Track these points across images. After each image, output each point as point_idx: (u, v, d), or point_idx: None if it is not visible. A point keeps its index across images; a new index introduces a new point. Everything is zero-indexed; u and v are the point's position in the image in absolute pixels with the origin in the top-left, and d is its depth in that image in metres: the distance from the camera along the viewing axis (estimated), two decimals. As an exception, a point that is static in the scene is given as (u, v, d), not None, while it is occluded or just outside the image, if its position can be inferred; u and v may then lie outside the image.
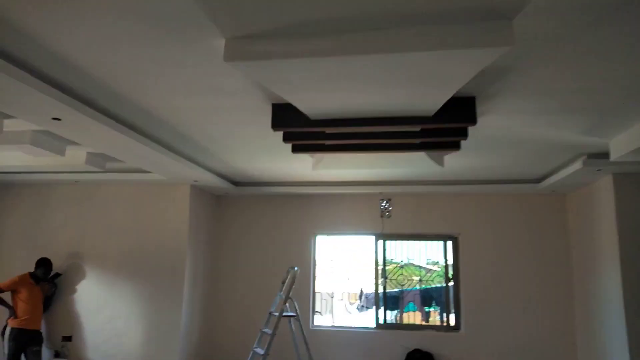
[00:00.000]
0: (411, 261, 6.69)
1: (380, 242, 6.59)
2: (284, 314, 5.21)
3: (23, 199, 6.35)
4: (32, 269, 5.67)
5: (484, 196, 6.35)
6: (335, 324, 6.56)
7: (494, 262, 6.23)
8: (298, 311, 5.46)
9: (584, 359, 5.70)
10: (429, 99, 2.91)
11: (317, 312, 6.61)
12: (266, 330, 5.22)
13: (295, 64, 2.34)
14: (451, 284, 6.41)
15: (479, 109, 3.23)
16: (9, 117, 3.79)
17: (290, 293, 5.24)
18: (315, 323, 6.50)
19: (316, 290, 6.62)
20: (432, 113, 3.13)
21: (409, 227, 6.49)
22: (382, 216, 6.51)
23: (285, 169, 5.47)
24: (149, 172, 5.40)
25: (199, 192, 6.33)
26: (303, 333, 5.46)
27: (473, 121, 3.19)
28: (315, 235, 6.73)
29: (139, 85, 2.99)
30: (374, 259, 6.54)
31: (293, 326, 5.53)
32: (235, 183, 6.38)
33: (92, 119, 3.29)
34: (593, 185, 5.37)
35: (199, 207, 6.33)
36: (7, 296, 5.44)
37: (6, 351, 5.28)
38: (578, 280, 5.90)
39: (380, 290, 6.47)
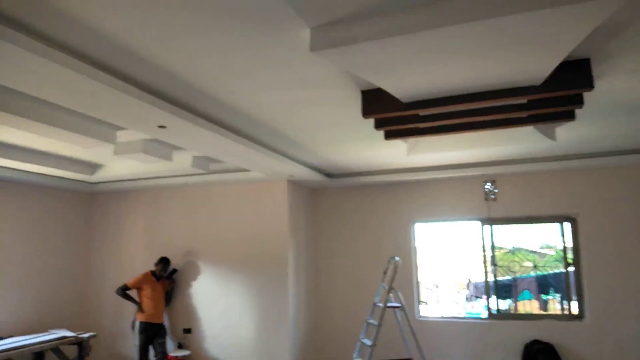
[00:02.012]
0: (522, 246, 6.19)
1: (487, 227, 6.18)
2: (389, 304, 5.12)
3: (141, 203, 6.96)
4: (151, 268, 6.20)
5: (605, 170, 5.65)
6: (443, 315, 6.30)
7: (619, 243, 5.53)
8: (403, 301, 5.32)
9: None
10: (536, 66, 2.59)
11: (422, 302, 6.40)
12: (372, 321, 5.17)
13: (383, 45, 2.21)
14: (571, 269, 5.81)
15: (595, 71, 2.83)
16: (120, 128, 4.15)
17: (393, 283, 5.13)
18: (422, 313, 6.31)
19: (420, 280, 6.41)
20: (541, 81, 2.80)
21: (518, 209, 5.99)
22: (486, 199, 6.10)
23: (379, 157, 5.33)
24: (248, 170, 5.61)
25: (296, 186, 6.44)
26: (410, 324, 5.32)
27: (589, 85, 2.80)
28: (414, 223, 6.52)
29: (231, 87, 3.06)
30: (481, 246, 6.15)
31: (399, 317, 5.41)
32: (330, 175, 6.39)
33: (193, 124, 3.45)
34: None
35: (297, 201, 6.44)
36: (133, 293, 6.03)
37: (137, 342, 5.85)
38: None
39: (490, 278, 6.07)
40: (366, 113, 3.27)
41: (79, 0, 1.98)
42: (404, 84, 2.85)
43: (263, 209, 6.22)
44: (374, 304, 5.34)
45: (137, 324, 5.91)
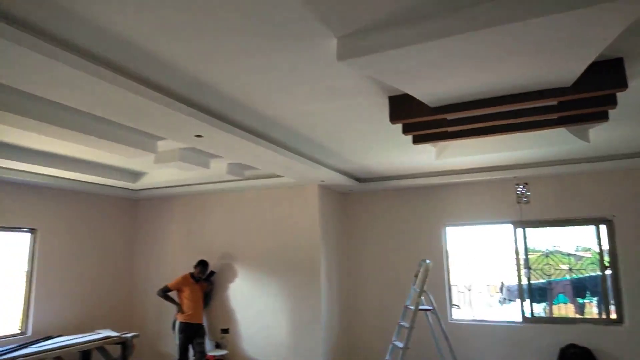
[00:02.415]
0: (557, 249, 6.09)
1: (519, 230, 6.12)
2: (420, 307, 5.16)
3: (180, 209, 7.25)
4: (191, 270, 6.44)
5: (642, 171, 5.52)
6: (476, 318, 6.26)
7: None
8: (434, 304, 5.34)
9: None
10: (566, 67, 2.58)
11: (455, 305, 6.38)
12: (403, 323, 5.22)
13: (408, 52, 2.30)
14: (608, 272, 5.68)
15: (628, 70, 2.81)
16: (160, 138, 4.38)
17: (425, 286, 5.16)
18: (454, 316, 6.29)
19: (452, 283, 6.40)
20: (572, 82, 2.79)
21: (551, 212, 5.91)
22: (518, 202, 6.05)
23: (408, 161, 5.39)
24: (280, 176, 5.78)
25: (327, 191, 6.57)
26: (442, 326, 5.33)
27: (623, 85, 2.77)
28: (445, 226, 6.52)
29: (263, 97, 3.22)
30: (514, 249, 6.09)
31: (431, 320, 5.44)
32: (360, 179, 6.49)
33: (227, 132, 3.63)
34: None
35: (328, 205, 6.57)
36: (173, 295, 6.29)
37: (177, 342, 6.09)
38: None
39: (524, 281, 6.00)
40: (393, 119, 3.36)
41: (138, 29, 2.18)
42: (431, 89, 2.92)
43: (295, 213, 6.38)
44: (406, 307, 5.38)
45: (177, 324, 6.15)
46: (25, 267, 6.02)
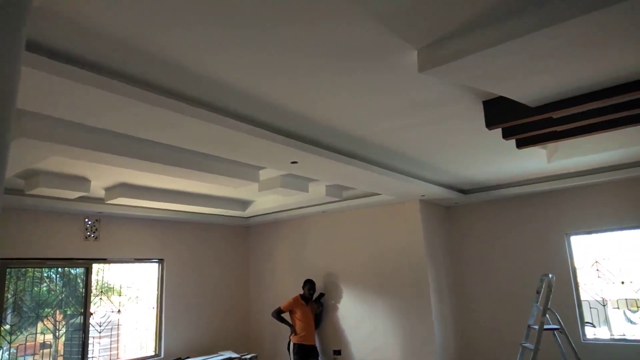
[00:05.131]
0: None
1: (661, 234, 5.29)
2: (545, 326, 4.67)
3: (286, 233, 7.54)
4: (298, 291, 6.61)
5: None
6: (615, 337, 5.50)
7: None
8: (562, 323, 4.82)
9: None
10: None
11: (587, 323, 5.67)
12: (527, 344, 4.77)
13: (494, 53, 2.15)
14: None
15: None
16: (261, 168, 4.63)
17: (549, 303, 4.68)
18: (588, 336, 5.59)
19: (582, 299, 5.72)
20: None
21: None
22: (656, 202, 5.25)
23: (515, 167, 5.01)
24: (379, 194, 5.73)
25: (428, 205, 6.35)
26: (573, 347, 4.77)
27: None
28: (568, 235, 5.89)
29: (350, 119, 3.25)
30: (656, 256, 5.28)
31: (559, 340, 4.90)
32: (464, 191, 6.17)
33: (320, 156, 3.71)
34: None
35: (431, 220, 6.33)
36: (286, 316, 6.49)
37: (292, 363, 6.25)
38: None
39: (674, 294, 5.14)
40: (490, 124, 3.16)
41: (234, 71, 2.36)
42: (527, 88, 2.71)
43: (397, 231, 6.24)
44: (529, 327, 4.92)
45: (292, 345, 6.33)
46: (155, 294, 6.68)
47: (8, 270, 5.32)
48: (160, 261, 6.76)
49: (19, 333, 5.37)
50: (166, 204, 5.71)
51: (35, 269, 5.65)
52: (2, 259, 5.18)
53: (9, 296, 5.35)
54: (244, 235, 8.08)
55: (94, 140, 3.30)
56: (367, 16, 1.97)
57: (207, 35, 2.06)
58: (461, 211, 6.79)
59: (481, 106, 3.17)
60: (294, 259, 7.36)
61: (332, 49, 2.24)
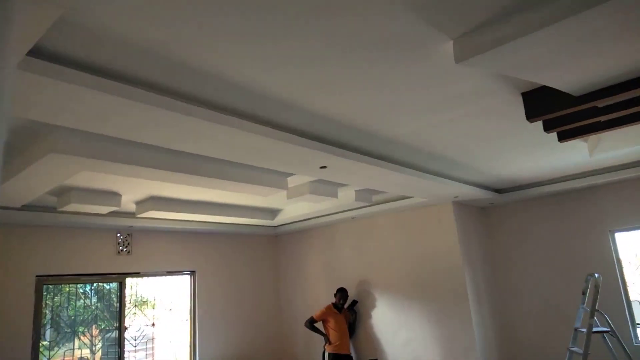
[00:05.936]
0: None
1: None
2: (594, 329, 4.42)
3: (317, 240, 7.44)
4: (330, 300, 6.48)
5: None
6: (672, 339, 5.17)
7: None
8: (612, 325, 4.55)
9: None
10: None
11: (639, 324, 5.36)
12: (575, 349, 4.52)
13: (533, 39, 2.01)
14: None
15: None
16: (289, 174, 4.55)
17: (597, 305, 4.42)
18: (641, 338, 5.28)
19: (632, 298, 5.40)
20: None
21: None
22: None
23: (555, 162, 4.79)
24: (410, 197, 5.58)
25: (462, 207, 6.14)
26: (626, 351, 4.49)
27: None
28: (612, 232, 5.59)
29: (380, 118, 3.13)
30: None
31: (610, 343, 4.62)
32: (499, 191, 5.95)
33: (349, 159, 3.60)
34: None
35: (465, 222, 6.13)
36: (319, 325, 6.37)
37: (328, 373, 6.11)
38: None
39: None
40: (531, 116, 2.99)
41: (262, 80, 2.30)
42: (570, 75, 2.54)
43: (430, 234, 6.06)
44: (576, 330, 4.67)
45: (327, 355, 6.19)
46: (188, 306, 6.67)
47: (45, 286, 5.39)
48: (192, 273, 6.75)
49: (57, 348, 5.43)
50: (196, 215, 5.70)
51: (70, 285, 5.71)
52: (38, 275, 5.25)
53: (47, 312, 5.42)
54: (274, 244, 8.01)
55: (124, 153, 3.29)
56: (399, 6, 1.86)
57: (251, 51, 2.07)
58: (497, 211, 6.55)
59: (519, 98, 3.01)
60: (324, 267, 7.24)
61: (362, 42, 2.13)
